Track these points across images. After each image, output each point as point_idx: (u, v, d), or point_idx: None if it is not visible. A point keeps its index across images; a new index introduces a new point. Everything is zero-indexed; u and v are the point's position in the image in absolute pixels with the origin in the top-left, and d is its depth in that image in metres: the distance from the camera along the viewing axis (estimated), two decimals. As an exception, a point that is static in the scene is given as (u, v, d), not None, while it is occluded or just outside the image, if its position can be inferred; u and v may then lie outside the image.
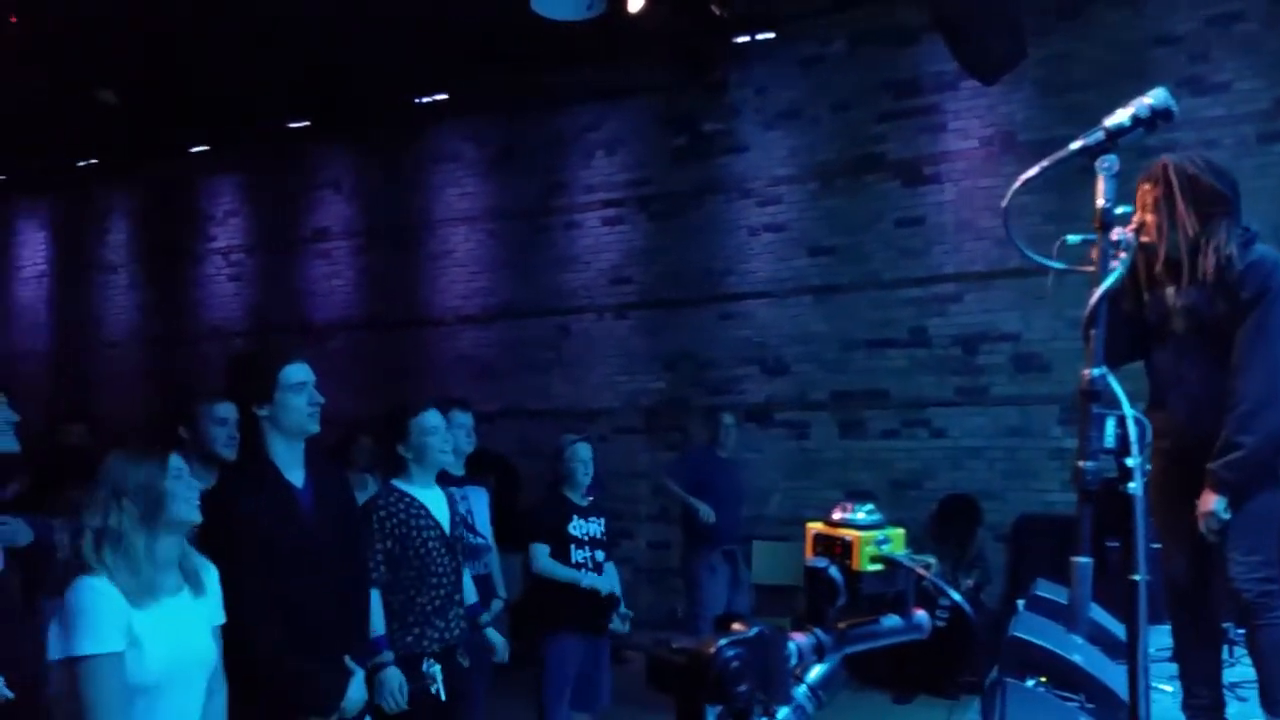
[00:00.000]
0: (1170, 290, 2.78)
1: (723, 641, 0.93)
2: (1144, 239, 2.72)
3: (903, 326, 6.96)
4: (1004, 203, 1.82)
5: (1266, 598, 2.72)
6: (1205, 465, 2.69)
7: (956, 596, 1.03)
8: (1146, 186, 2.74)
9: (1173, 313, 2.79)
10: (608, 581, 4.20)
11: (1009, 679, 3.42)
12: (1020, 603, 4.29)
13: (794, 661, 1.01)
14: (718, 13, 5.91)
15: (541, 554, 4.13)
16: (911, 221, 6.87)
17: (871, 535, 1.05)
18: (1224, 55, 6.19)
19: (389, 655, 3.03)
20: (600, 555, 4.25)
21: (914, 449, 6.87)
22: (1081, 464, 1.63)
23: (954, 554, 6.03)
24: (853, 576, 1.05)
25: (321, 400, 2.70)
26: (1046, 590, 4.21)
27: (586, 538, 4.25)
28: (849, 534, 1.05)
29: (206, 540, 2.33)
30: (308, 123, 9.04)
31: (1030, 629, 3.69)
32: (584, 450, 4.29)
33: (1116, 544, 5.54)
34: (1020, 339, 6.57)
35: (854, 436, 7.10)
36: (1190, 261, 2.69)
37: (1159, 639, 4.29)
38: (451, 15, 6.71)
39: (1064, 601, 4.18)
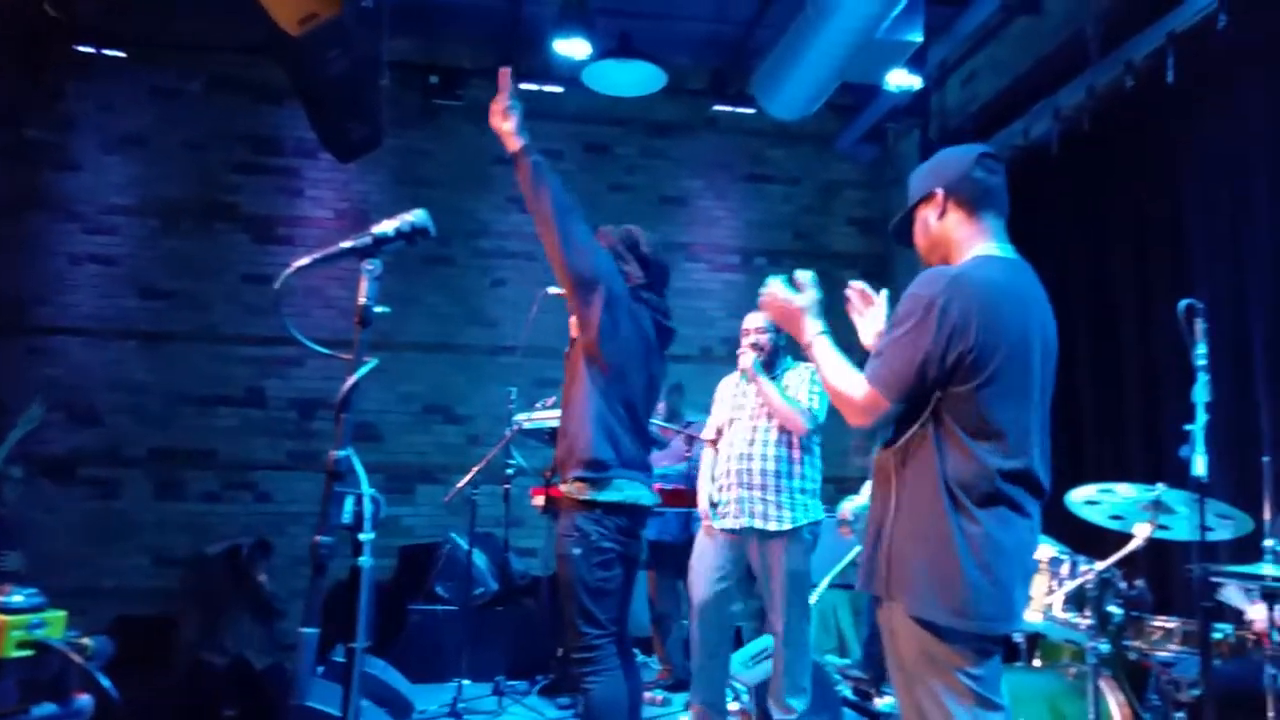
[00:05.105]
0: None
1: None
2: None
3: (239, 384, 6.75)
4: (277, 284, 1.90)
5: (585, 663, 2.85)
6: None
7: (106, 683, 1.00)
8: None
9: None
10: None
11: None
12: (320, 669, 4.35)
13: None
14: (52, 13, 5.22)
15: None
16: (259, 279, 6.75)
17: (22, 619, 0.98)
18: (547, 183, 7.32)
19: None
20: None
21: (235, 513, 6.62)
22: (318, 539, 1.73)
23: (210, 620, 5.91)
24: (-7, 666, 0.97)
25: None
26: (344, 655, 4.32)
27: None
28: (-7, 620, 0.97)
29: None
30: None
31: (318, 695, 3.76)
32: None
33: (423, 606, 5.88)
34: (357, 408, 6.80)
35: (171, 498, 6.60)
36: None
37: (442, 695, 4.71)
38: None
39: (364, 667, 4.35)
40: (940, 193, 2.14)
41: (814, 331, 2.21)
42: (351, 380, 1.77)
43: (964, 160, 2.15)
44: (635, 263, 3.08)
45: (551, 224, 2.83)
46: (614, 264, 3.01)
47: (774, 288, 2.28)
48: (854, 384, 2.07)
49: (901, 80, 5.91)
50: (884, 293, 2.32)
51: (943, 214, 2.14)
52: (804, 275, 2.30)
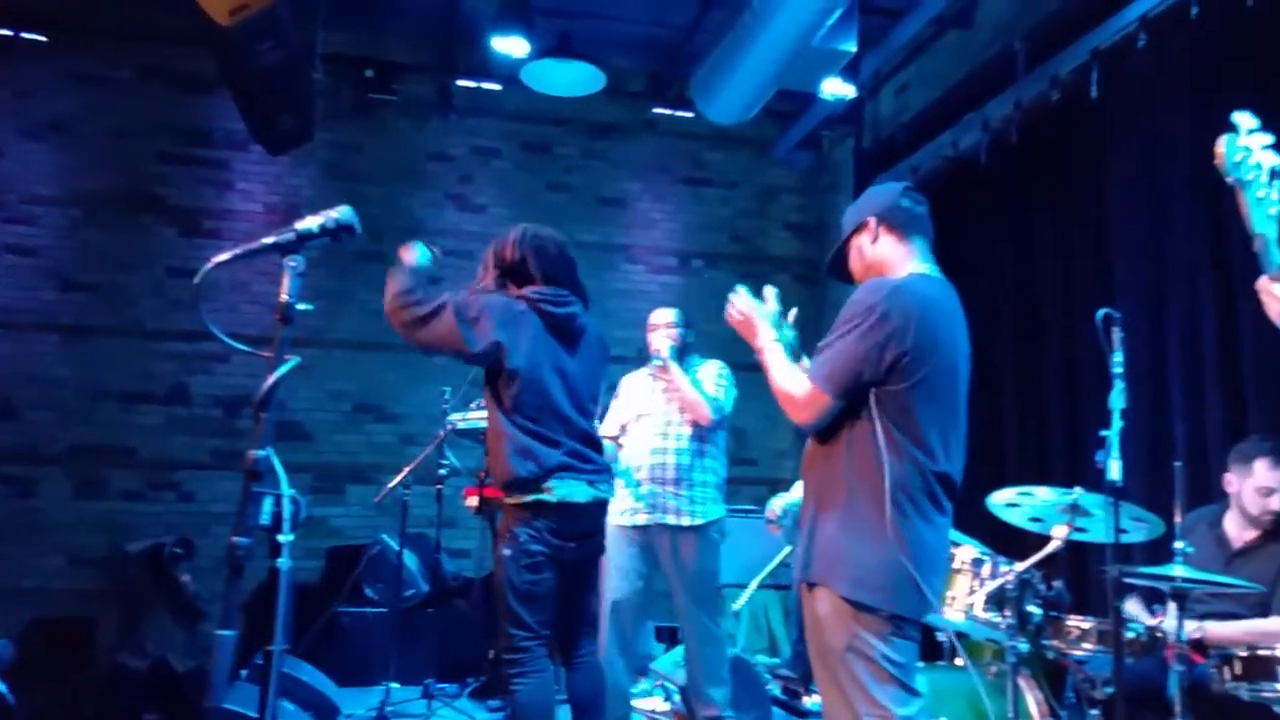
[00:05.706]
0: None
1: None
2: None
3: (163, 381, 6.56)
4: (196, 279, 1.86)
5: (511, 664, 2.87)
6: None
7: (3, 688, 0.96)
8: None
9: None
10: None
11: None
12: (244, 672, 4.26)
13: None
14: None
15: None
16: (185, 273, 6.56)
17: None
18: (485, 182, 7.27)
19: None
20: None
21: (158, 512, 6.43)
22: (235, 540, 1.69)
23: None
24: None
25: None
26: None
27: None
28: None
29: None
30: None
31: (239, 698, 3.68)
32: None
33: (351, 609, 5.79)
34: (285, 406, 6.68)
35: (90, 497, 6.39)
36: None
37: (369, 698, 4.66)
38: None
39: (288, 670, 4.27)
40: (872, 220, 2.34)
41: (768, 338, 2.36)
42: (272, 379, 1.73)
43: (891, 192, 2.38)
44: (493, 272, 3.09)
45: (406, 307, 2.93)
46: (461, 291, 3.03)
47: (742, 297, 2.43)
48: (798, 383, 2.21)
49: (836, 89, 5.99)
50: (773, 290, 2.48)
51: (875, 239, 2.34)
52: (770, 291, 2.47)
